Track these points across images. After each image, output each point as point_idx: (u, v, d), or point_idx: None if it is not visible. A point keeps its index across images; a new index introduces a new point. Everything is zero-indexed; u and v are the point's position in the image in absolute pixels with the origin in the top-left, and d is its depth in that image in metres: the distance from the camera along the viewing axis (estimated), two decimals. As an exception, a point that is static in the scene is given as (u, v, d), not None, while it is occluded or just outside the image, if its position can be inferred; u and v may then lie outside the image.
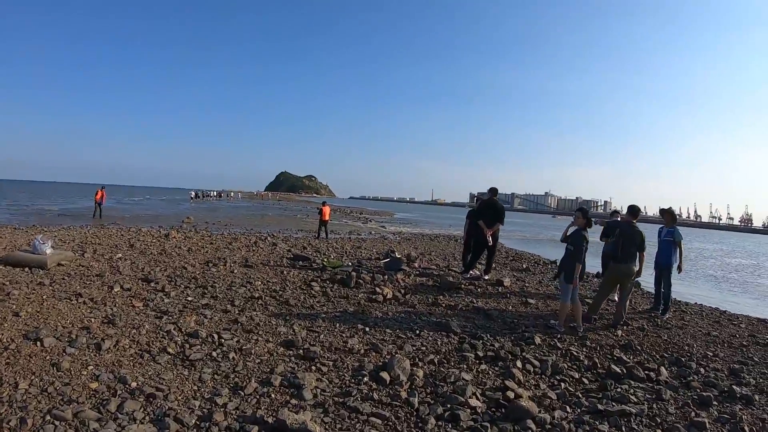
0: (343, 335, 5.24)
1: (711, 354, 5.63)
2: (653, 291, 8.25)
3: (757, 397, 4.24)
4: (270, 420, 3.15)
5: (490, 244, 8.99)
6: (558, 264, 7.72)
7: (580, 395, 4.09)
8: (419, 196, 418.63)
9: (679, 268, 7.70)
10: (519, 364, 4.63)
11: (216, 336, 4.77)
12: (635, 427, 3.53)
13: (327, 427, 3.22)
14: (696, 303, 9.58)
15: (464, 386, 3.89)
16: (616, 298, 7.77)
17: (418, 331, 5.56)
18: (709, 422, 3.64)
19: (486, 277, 9.20)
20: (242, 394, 3.57)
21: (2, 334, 4.34)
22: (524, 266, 12.62)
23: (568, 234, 6.33)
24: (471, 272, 9.42)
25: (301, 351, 4.57)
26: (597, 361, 4.98)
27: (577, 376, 4.55)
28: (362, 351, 4.76)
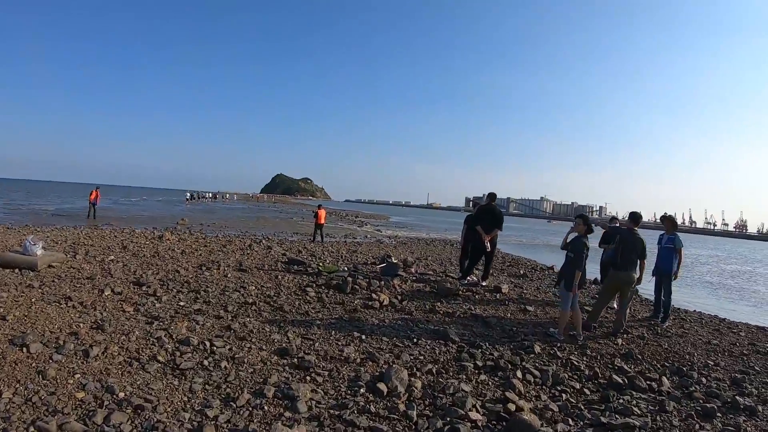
0: (339, 343, 5.11)
1: (712, 363, 5.57)
2: (652, 298, 8.19)
3: (760, 407, 4.17)
4: (263, 434, 3.03)
5: (488, 250, 8.90)
6: (558, 271, 7.64)
7: (583, 407, 4.00)
8: (415, 200, 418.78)
9: (675, 275, 7.65)
10: (519, 374, 4.53)
11: (208, 343, 4.63)
12: (640, 441, 3.44)
13: (322, 441, 3.10)
14: (695, 311, 9.55)
15: (464, 398, 3.78)
16: (615, 306, 7.71)
17: (415, 339, 5.44)
18: (714, 435, 3.57)
19: (483, 284, 9.11)
20: (234, 406, 3.44)
21: (-14, 340, 4.20)
22: (521, 272, 12.54)
23: (568, 241, 6.24)
24: (468, 278, 9.33)
25: (295, 360, 4.44)
26: (598, 370, 4.89)
27: (578, 386, 4.46)
28: (358, 360, 4.63)
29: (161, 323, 5.20)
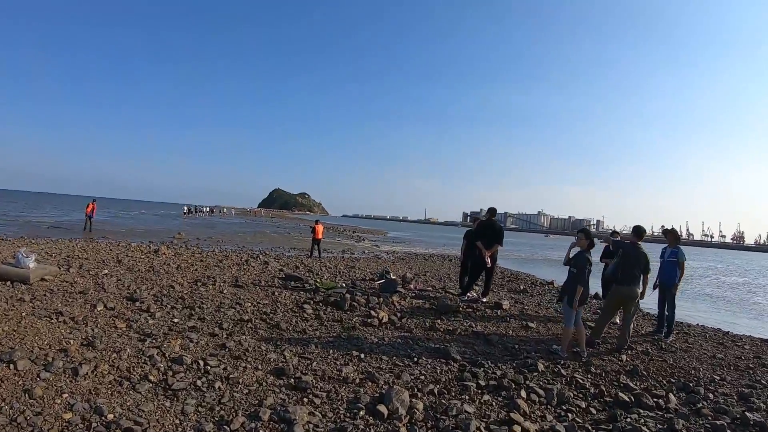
0: (337, 362, 4.96)
1: (718, 378, 5.50)
2: (654, 313, 8.12)
3: (770, 424, 4.05)
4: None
5: (489, 265, 8.80)
6: (560, 287, 7.54)
7: (590, 427, 3.86)
8: (412, 215, 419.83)
9: (675, 287, 7.59)
10: (523, 393, 4.39)
11: (202, 362, 4.47)
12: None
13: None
14: (698, 324, 9.50)
15: (467, 420, 3.63)
16: (618, 321, 7.60)
17: (416, 358, 5.29)
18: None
19: (484, 300, 8.98)
20: (228, 429, 3.28)
21: (-27, 357, 4.04)
22: (521, 287, 12.42)
23: (570, 256, 6.15)
24: (468, 294, 9.20)
25: (292, 380, 4.28)
26: (603, 388, 4.77)
27: (584, 405, 4.31)
28: (357, 380, 4.47)
29: (154, 341, 5.05)
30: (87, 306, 6.26)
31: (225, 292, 8.14)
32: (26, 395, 3.49)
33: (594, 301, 10.48)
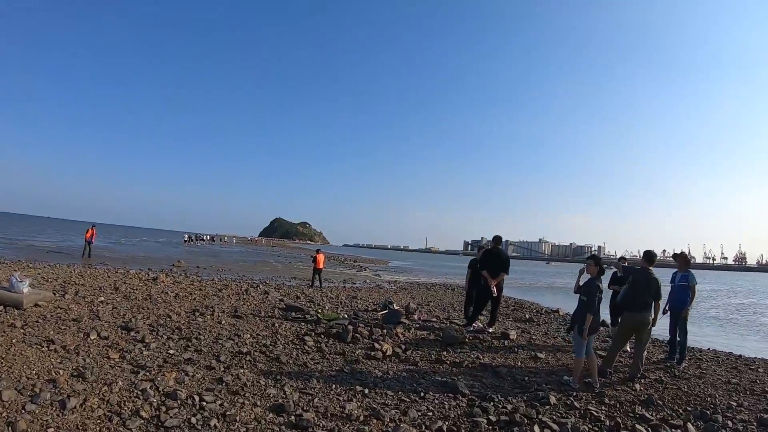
0: (340, 398, 4.69)
1: (735, 404, 5.34)
2: (663, 338, 7.94)
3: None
4: None
5: (495, 294, 8.58)
6: (570, 315, 7.34)
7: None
8: (413, 244, 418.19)
9: (685, 311, 7.40)
10: (537, 429, 4.16)
11: (197, 397, 4.22)
12: None
13: None
14: (709, 349, 9.37)
15: (480, 464, 3.37)
16: (628, 349, 7.36)
17: (422, 393, 5.02)
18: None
19: (490, 330, 8.72)
20: (223, 473, 3.04)
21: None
22: (527, 316, 12.19)
23: (580, 284, 5.98)
24: (474, 325, 8.94)
25: (292, 418, 4.02)
26: (619, 420, 4.54)
27: (600, 441, 4.07)
28: (362, 418, 4.20)
29: (148, 373, 4.81)
30: (80, 334, 6.05)
31: (223, 322, 7.89)
32: (9, 429, 3.28)
33: (601, 328, 10.22)
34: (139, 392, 4.24)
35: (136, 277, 13.72)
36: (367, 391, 4.96)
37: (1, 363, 4.53)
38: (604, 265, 6.06)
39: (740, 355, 8.71)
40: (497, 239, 9.02)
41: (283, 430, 3.80)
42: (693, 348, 8.91)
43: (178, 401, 4.13)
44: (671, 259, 8.06)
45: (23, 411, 3.57)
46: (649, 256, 6.60)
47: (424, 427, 4.10)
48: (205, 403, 4.13)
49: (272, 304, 10.66)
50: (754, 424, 4.67)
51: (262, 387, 4.79)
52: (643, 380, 6.16)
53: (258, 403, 4.34)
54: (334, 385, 5.06)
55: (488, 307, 9.11)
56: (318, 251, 18.04)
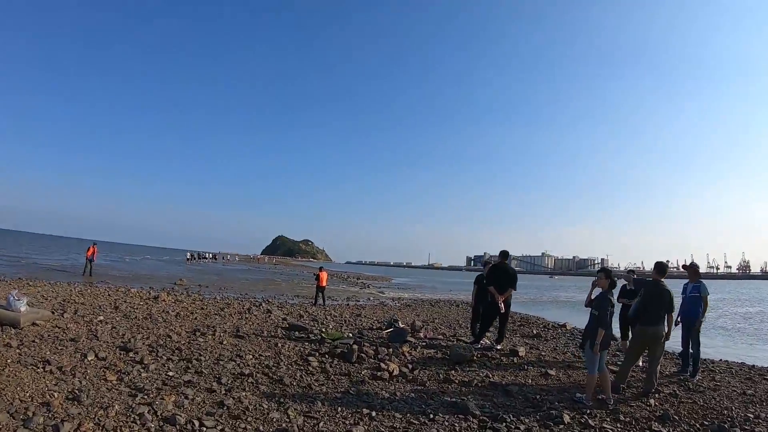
0: (346, 422, 4.47)
1: (752, 416, 5.18)
2: (674, 351, 7.73)
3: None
4: None
5: (503, 311, 8.36)
6: (576, 329, 7.14)
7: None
8: (416, 261, 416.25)
9: (698, 322, 7.22)
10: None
11: (197, 422, 4.02)
12: None
13: None
14: (721, 360, 9.19)
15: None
16: (641, 363, 7.15)
17: (432, 415, 4.81)
18: None
19: (498, 347, 8.48)
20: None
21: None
22: (535, 332, 11.95)
23: (592, 298, 5.79)
24: (482, 342, 8.70)
25: (297, 443, 3.83)
26: (636, 439, 4.31)
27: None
28: (370, 443, 4.00)
29: (146, 396, 4.61)
30: (77, 355, 5.88)
31: (225, 342, 7.68)
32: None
33: (612, 342, 10.00)
34: (136, 416, 4.05)
35: (137, 295, 13.54)
36: (374, 413, 4.75)
37: (-5, 384, 4.36)
38: (615, 278, 5.90)
39: (753, 365, 8.59)
40: (504, 254, 8.84)
41: (287, 458, 3.59)
42: (705, 359, 8.72)
43: (177, 426, 3.93)
44: (678, 269, 7.96)
45: (14, 437, 3.39)
46: (660, 267, 6.44)
47: (435, 453, 3.89)
48: (205, 429, 3.94)
49: (275, 323, 10.45)
50: (773, 435, 4.51)
51: (265, 411, 4.57)
52: (657, 395, 5.99)
53: (261, 428, 4.13)
54: (339, 408, 4.84)
55: (495, 323, 8.89)
56: (321, 269, 17.90)
